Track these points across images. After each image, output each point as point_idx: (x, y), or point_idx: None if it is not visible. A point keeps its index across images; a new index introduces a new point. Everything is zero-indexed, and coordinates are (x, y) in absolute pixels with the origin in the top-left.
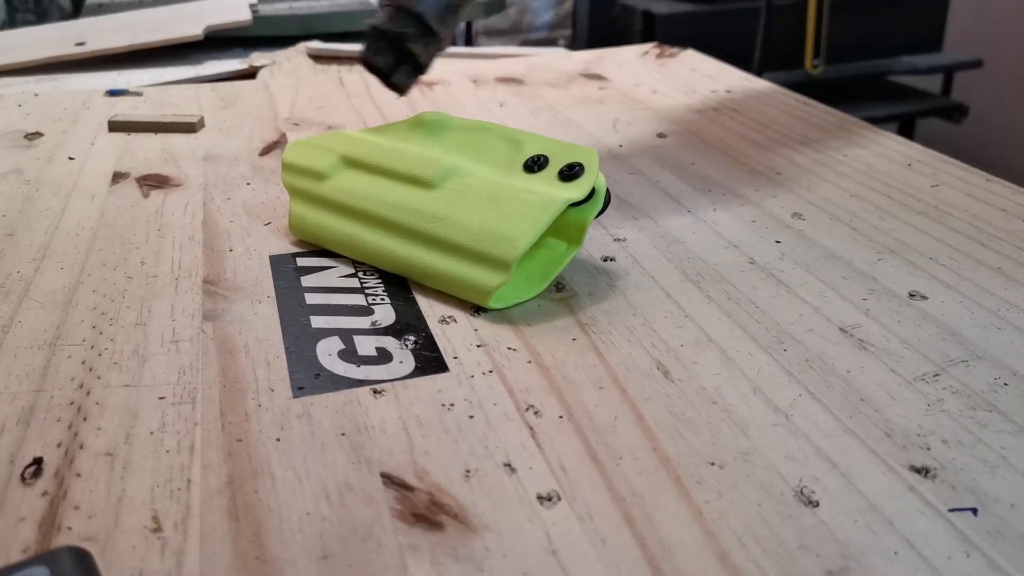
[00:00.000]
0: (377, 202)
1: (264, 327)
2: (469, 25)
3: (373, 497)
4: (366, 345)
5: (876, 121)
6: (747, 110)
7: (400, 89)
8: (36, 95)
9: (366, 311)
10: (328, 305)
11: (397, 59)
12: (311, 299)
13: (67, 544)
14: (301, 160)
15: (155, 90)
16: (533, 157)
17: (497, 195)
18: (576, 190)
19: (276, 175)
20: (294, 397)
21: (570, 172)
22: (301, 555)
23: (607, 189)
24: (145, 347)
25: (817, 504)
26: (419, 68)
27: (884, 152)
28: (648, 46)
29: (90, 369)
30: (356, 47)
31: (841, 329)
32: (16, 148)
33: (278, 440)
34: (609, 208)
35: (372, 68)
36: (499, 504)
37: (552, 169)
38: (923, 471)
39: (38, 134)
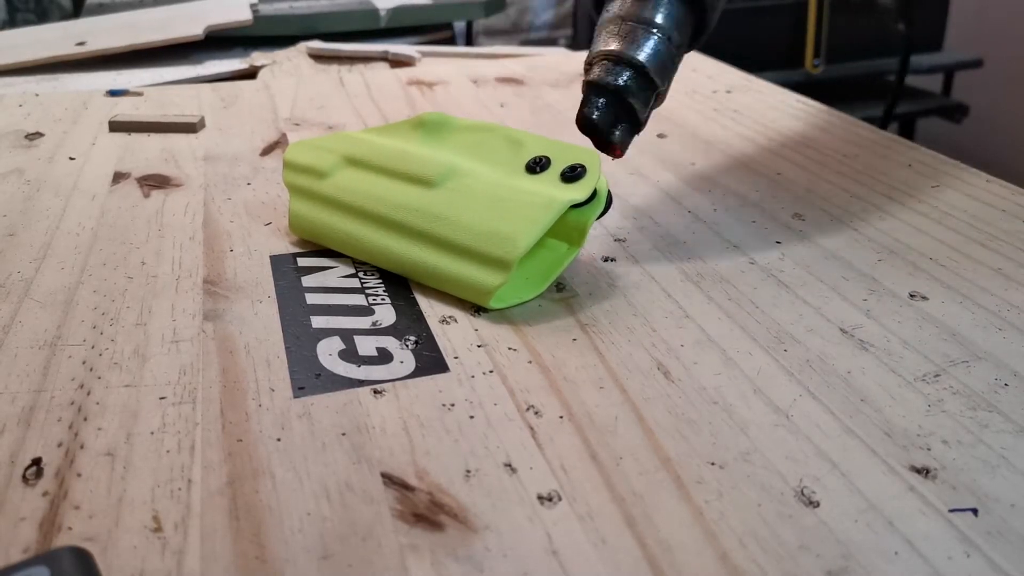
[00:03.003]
0: (377, 201)
1: (264, 327)
2: (469, 25)
3: (373, 497)
4: (366, 345)
5: (876, 121)
6: (747, 110)
7: (617, 148)
8: (36, 95)
9: (367, 311)
10: (329, 305)
11: (616, 116)
12: (311, 299)
13: (68, 544)
14: (302, 159)
15: (155, 90)
16: (535, 158)
17: (498, 195)
18: (578, 191)
19: (277, 175)
20: (294, 397)
21: (572, 173)
22: (301, 555)
23: (609, 191)
24: (145, 347)
25: (817, 504)
26: (638, 125)
27: (884, 152)
28: None
29: (90, 369)
30: (356, 47)
31: (841, 329)
32: (16, 148)
33: (278, 440)
34: (610, 209)
35: (590, 125)
36: (499, 504)
37: (554, 170)
38: (923, 471)
39: (38, 134)
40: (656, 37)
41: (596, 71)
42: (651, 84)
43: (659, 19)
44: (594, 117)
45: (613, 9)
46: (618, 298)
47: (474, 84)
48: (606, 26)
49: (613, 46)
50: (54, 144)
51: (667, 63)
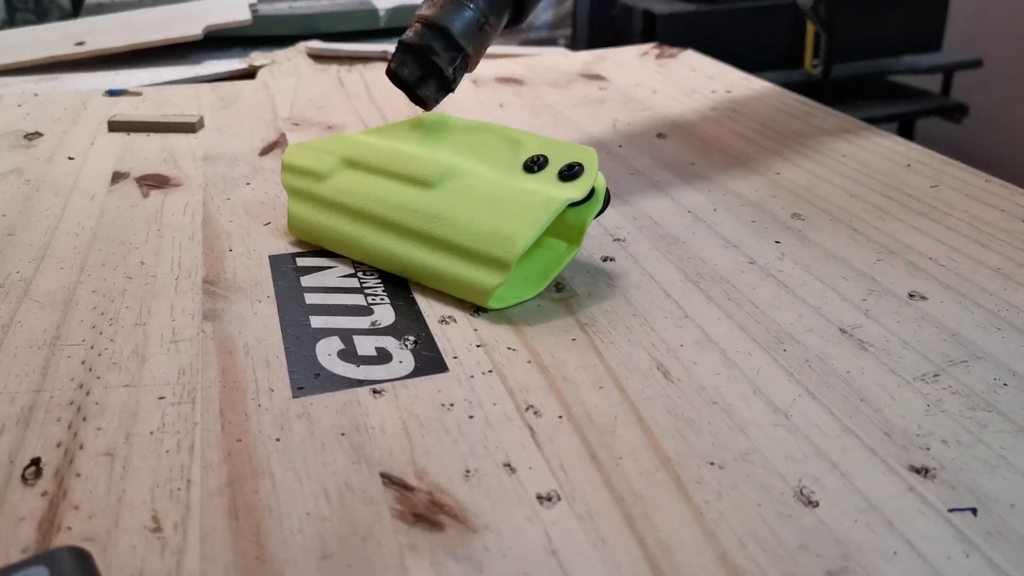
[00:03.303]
0: (376, 202)
1: (264, 327)
2: None
3: (373, 497)
4: (366, 345)
5: (876, 121)
6: (747, 110)
7: (426, 103)
8: (36, 95)
9: (366, 311)
10: (328, 305)
11: (424, 73)
12: (311, 299)
13: (67, 544)
14: (301, 161)
15: (155, 90)
16: (533, 157)
17: (497, 195)
18: (576, 190)
19: (276, 175)
20: (294, 397)
21: (570, 172)
22: (301, 555)
23: (607, 189)
24: (145, 347)
25: (817, 504)
26: (446, 84)
27: (884, 152)
28: (648, 46)
29: (90, 369)
30: (356, 47)
31: (841, 329)
32: (16, 148)
33: (278, 440)
34: (609, 208)
35: (398, 80)
36: (499, 504)
37: (552, 169)
38: (923, 471)
39: (38, 134)
40: (468, 9)
41: (409, 32)
42: (457, 47)
43: None
44: (398, 71)
45: None
46: (618, 298)
47: (474, 84)
48: None
49: (427, 12)
50: (53, 144)
51: (475, 31)
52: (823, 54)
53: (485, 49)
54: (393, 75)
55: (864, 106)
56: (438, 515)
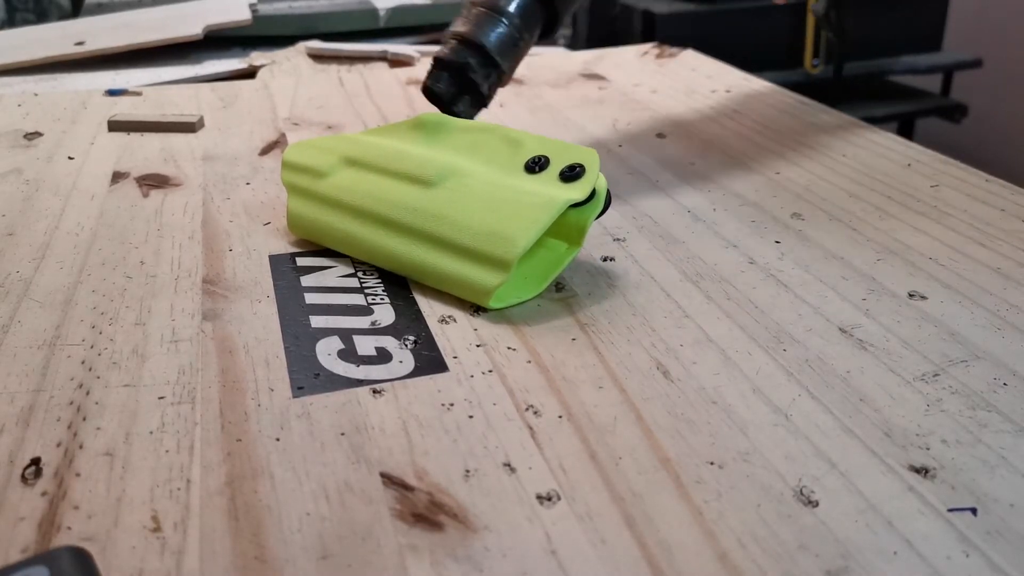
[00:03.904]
0: (376, 200)
1: (264, 327)
2: None
3: (373, 497)
4: (366, 345)
5: (876, 121)
6: (747, 110)
7: (461, 118)
8: (35, 95)
9: (366, 311)
10: (328, 305)
11: (459, 89)
12: (310, 299)
13: (67, 544)
14: (301, 159)
15: (154, 90)
16: (534, 158)
17: (497, 195)
18: (577, 191)
19: (276, 175)
20: (293, 397)
21: (571, 173)
22: (301, 555)
23: (607, 191)
24: (145, 347)
25: (816, 504)
26: (480, 99)
27: (884, 152)
28: (648, 46)
29: (89, 369)
30: (356, 47)
31: (841, 329)
32: (16, 148)
33: (277, 440)
34: (609, 208)
35: (433, 96)
36: (498, 504)
37: (553, 170)
38: (923, 471)
39: (37, 134)
40: (502, 24)
41: (444, 49)
42: (493, 63)
43: (509, 8)
44: (434, 88)
45: None
46: (617, 298)
47: None
48: (464, 11)
49: (463, 28)
50: (53, 144)
51: (510, 47)
52: (823, 55)
53: (519, 63)
54: (428, 91)
55: (864, 106)
56: (438, 515)
